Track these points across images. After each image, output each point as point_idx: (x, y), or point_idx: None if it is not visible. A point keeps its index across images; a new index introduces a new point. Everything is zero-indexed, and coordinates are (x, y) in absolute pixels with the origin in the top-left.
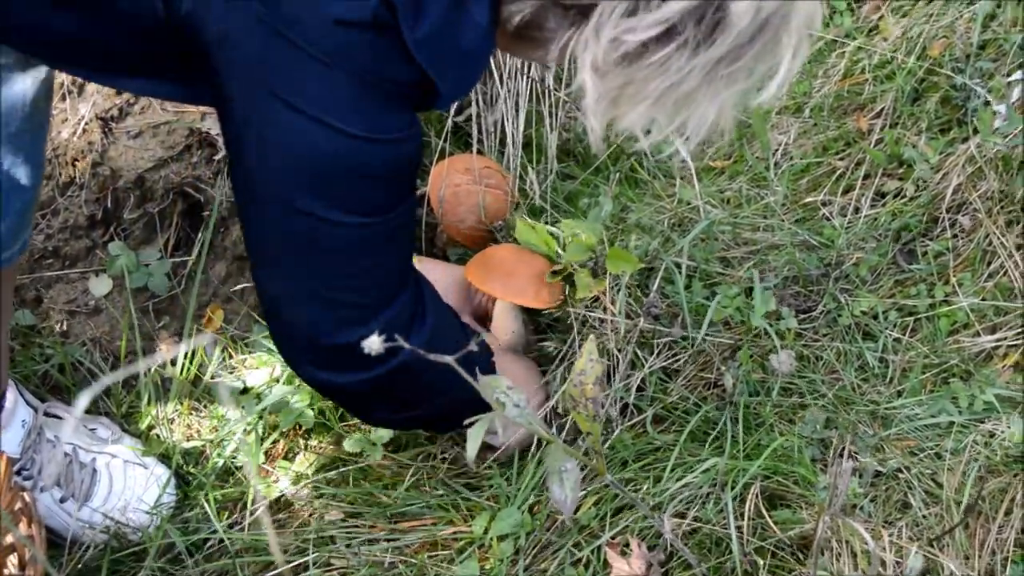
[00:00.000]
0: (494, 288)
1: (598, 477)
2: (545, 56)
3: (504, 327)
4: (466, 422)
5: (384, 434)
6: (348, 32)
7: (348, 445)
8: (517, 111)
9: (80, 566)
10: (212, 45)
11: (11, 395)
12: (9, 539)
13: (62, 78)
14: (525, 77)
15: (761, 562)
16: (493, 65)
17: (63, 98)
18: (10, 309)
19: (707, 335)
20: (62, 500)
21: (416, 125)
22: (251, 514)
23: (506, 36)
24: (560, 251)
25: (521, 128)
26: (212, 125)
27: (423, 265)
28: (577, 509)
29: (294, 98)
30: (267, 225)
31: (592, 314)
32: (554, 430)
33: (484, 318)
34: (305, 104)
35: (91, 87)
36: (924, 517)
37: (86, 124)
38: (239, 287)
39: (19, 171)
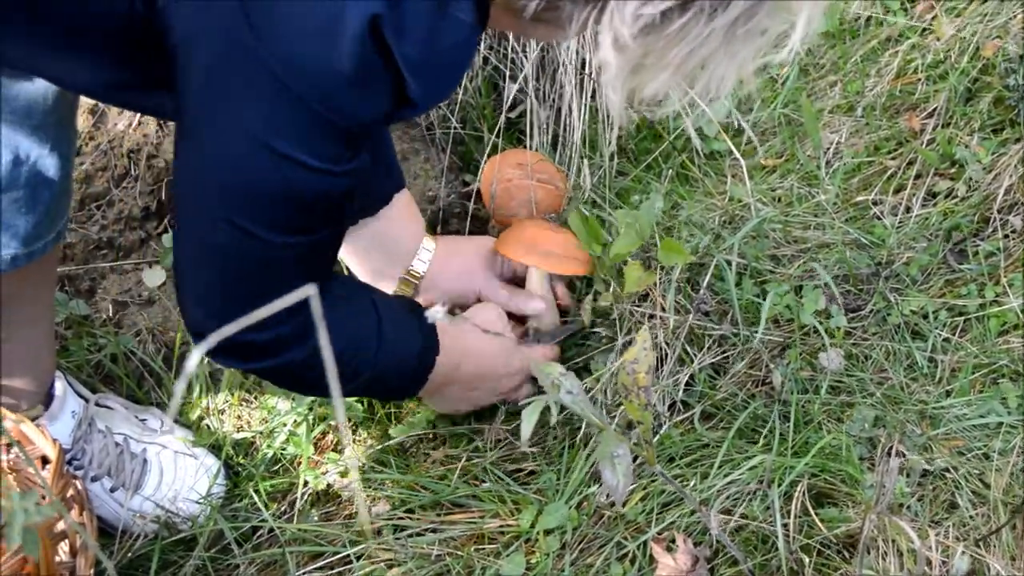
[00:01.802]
0: (532, 259)
1: (646, 468)
2: (564, 36)
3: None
4: (521, 403)
5: (424, 416)
6: (328, 47)
7: (394, 432)
8: (571, 108)
9: (131, 554)
10: (179, 46)
11: (60, 385)
12: (61, 526)
13: None
14: (579, 72)
15: (807, 560)
16: (547, 60)
17: None
18: (52, 299)
19: (757, 332)
20: (112, 489)
21: (358, 160)
22: (302, 499)
23: (521, 21)
24: (608, 238)
25: (579, 124)
26: None
27: (445, 242)
28: (624, 504)
29: (245, 115)
30: (196, 228)
31: (640, 310)
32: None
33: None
34: (253, 124)
35: None
36: (971, 517)
37: (141, 117)
38: None
39: (46, 163)
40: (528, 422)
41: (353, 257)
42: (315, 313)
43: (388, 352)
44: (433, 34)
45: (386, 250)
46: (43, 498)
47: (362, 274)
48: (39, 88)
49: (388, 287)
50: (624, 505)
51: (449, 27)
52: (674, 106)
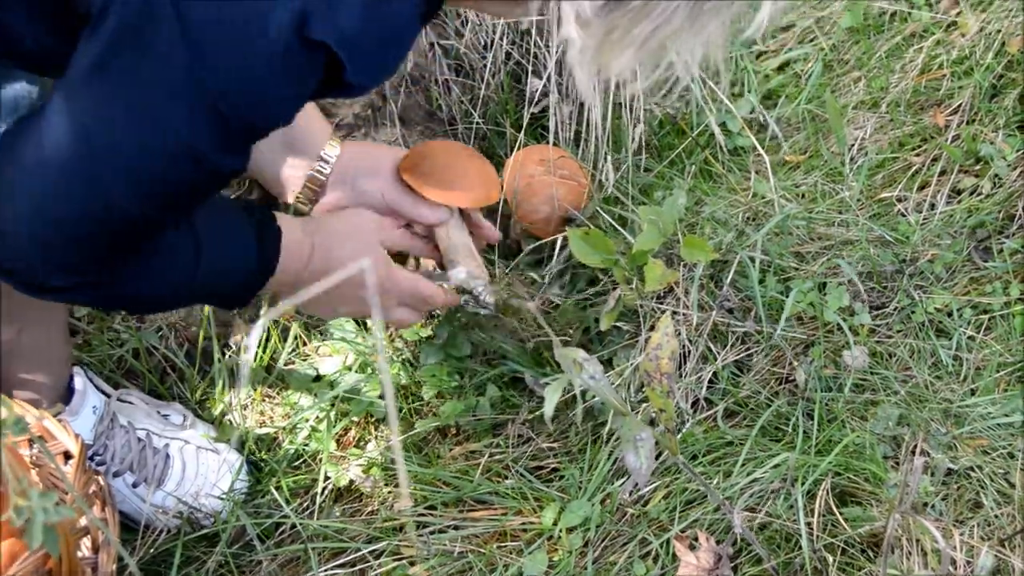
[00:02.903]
0: (429, 190)
1: (670, 464)
2: (524, 12)
3: (443, 239)
4: (542, 381)
5: (450, 411)
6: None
7: (418, 426)
8: (594, 103)
9: (153, 550)
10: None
11: (80, 381)
12: (83, 522)
13: None
14: None
15: (831, 559)
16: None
17: None
18: None
19: (780, 330)
20: (135, 485)
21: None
22: (321, 495)
23: None
24: (631, 239)
25: (602, 120)
26: None
27: (352, 144)
28: (647, 502)
29: (147, 95)
30: (46, 167)
31: (663, 306)
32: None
33: None
34: (155, 107)
35: None
36: (996, 517)
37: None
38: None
39: None
40: (550, 401)
41: (259, 164)
42: None
43: (205, 284)
44: (371, 9)
45: (294, 151)
46: (65, 494)
47: (270, 180)
48: (24, 83)
49: (297, 185)
50: (647, 503)
51: (390, 2)
52: (643, 84)
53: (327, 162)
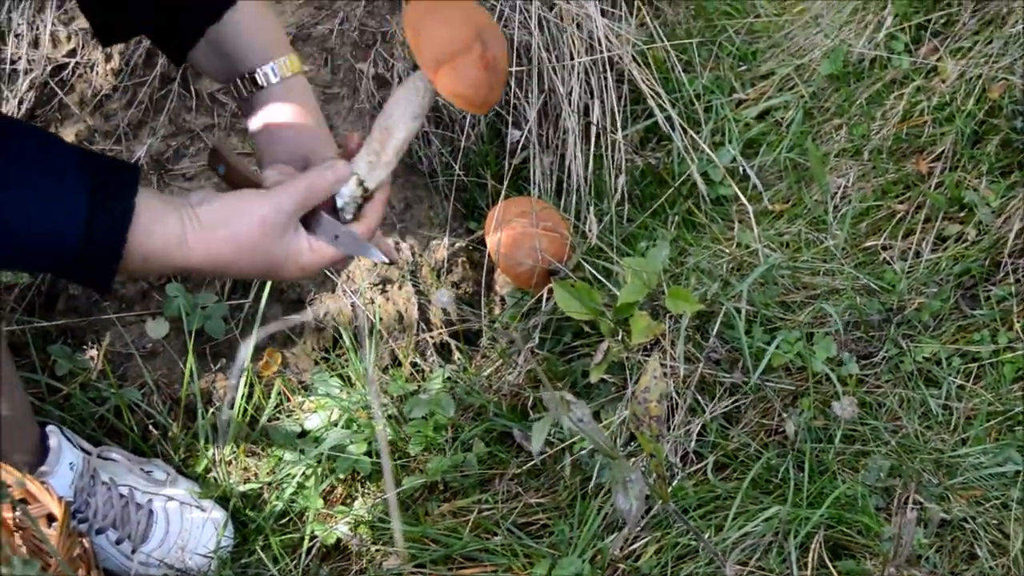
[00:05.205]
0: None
1: (661, 517)
2: None
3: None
4: (530, 434)
5: (437, 467)
6: None
7: (405, 483)
8: (575, 154)
9: None
10: None
11: (55, 439)
12: None
13: (118, 119)
14: (582, 119)
15: None
16: (549, 106)
17: (119, 140)
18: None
19: (768, 381)
20: (118, 541)
21: None
22: (308, 554)
23: None
24: (615, 291)
25: (583, 171)
26: None
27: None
28: (638, 557)
29: None
30: None
31: (649, 359)
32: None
33: None
34: None
35: (146, 129)
36: (991, 568)
37: (142, 165)
38: (298, 327)
39: None
40: (538, 438)
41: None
42: None
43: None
44: None
45: (227, 60)
46: (49, 557)
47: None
48: None
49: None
50: (638, 559)
51: None
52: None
53: (260, 83)
